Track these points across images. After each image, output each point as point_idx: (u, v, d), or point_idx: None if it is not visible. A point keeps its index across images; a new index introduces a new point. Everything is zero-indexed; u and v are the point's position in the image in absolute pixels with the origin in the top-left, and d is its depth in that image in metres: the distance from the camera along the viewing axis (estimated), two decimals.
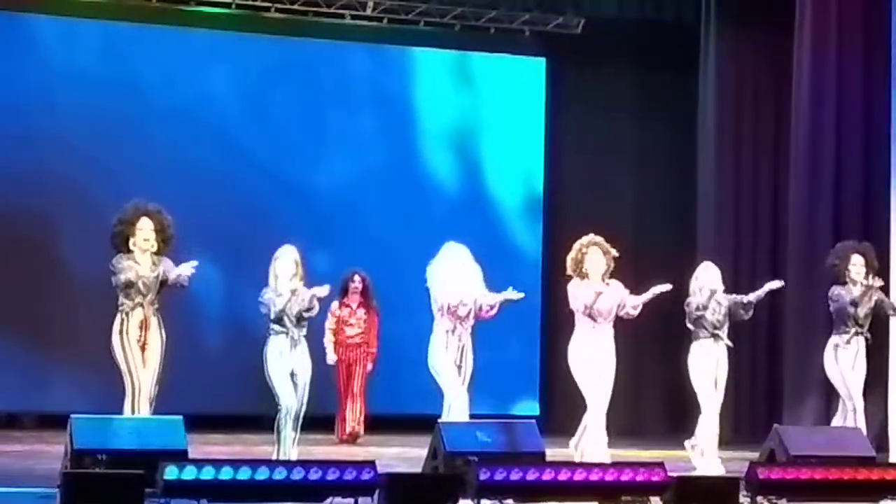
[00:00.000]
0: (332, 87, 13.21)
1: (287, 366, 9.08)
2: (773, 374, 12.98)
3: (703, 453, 9.69)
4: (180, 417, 7.78)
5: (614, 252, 9.61)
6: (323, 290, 8.96)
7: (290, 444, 9.09)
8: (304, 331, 9.19)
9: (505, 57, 13.85)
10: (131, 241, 8.94)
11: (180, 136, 12.58)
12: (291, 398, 9.06)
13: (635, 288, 9.86)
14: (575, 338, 9.60)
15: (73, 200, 12.00)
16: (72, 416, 7.66)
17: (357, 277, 11.90)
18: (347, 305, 11.91)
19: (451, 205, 13.32)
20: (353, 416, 11.77)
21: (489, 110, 13.76)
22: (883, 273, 11.66)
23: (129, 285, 8.81)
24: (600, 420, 9.49)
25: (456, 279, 9.33)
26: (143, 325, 8.91)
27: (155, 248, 8.98)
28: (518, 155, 13.78)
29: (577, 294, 9.54)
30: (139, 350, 8.88)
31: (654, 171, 13.99)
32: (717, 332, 9.86)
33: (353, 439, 11.64)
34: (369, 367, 11.90)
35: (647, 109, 13.91)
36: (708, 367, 9.84)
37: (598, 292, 9.45)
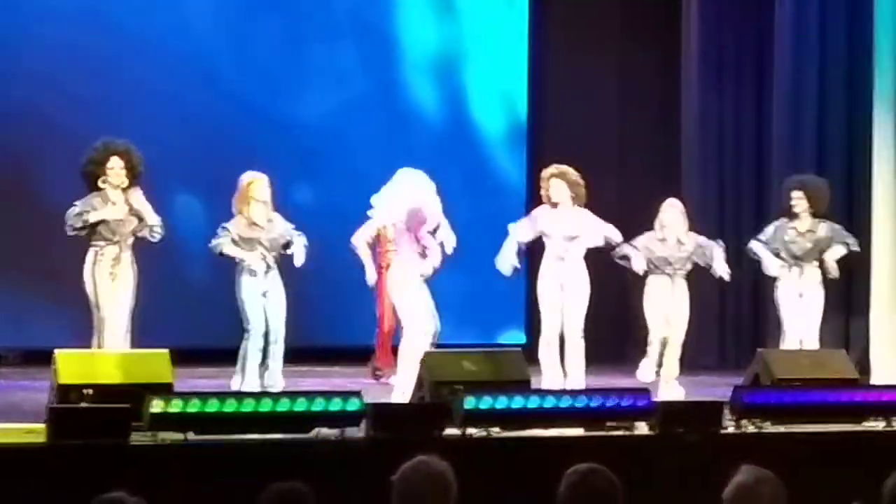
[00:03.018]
0: (313, 17, 13.06)
1: (259, 287, 9.09)
2: (759, 300, 12.99)
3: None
4: (166, 351, 7.78)
5: (580, 181, 9.55)
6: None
7: (255, 374, 9.07)
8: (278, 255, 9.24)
9: None
10: (101, 179, 9.01)
11: (158, 69, 12.43)
12: (260, 321, 9.06)
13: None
14: (542, 265, 9.68)
15: (51, 135, 11.87)
16: (56, 351, 7.65)
17: None
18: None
19: (434, 135, 13.23)
20: (382, 351, 10.80)
21: (472, 39, 13.63)
22: (865, 206, 11.70)
23: (96, 224, 8.88)
24: (553, 349, 9.48)
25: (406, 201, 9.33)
26: (116, 259, 8.94)
27: (126, 185, 9.04)
28: (501, 84, 13.66)
29: (516, 228, 9.61)
30: (109, 284, 8.89)
31: (638, 101, 13.88)
32: (670, 268, 9.83)
33: (376, 378, 10.69)
34: None
35: (631, 38, 13.78)
36: (659, 302, 9.83)
37: (530, 237, 9.55)
